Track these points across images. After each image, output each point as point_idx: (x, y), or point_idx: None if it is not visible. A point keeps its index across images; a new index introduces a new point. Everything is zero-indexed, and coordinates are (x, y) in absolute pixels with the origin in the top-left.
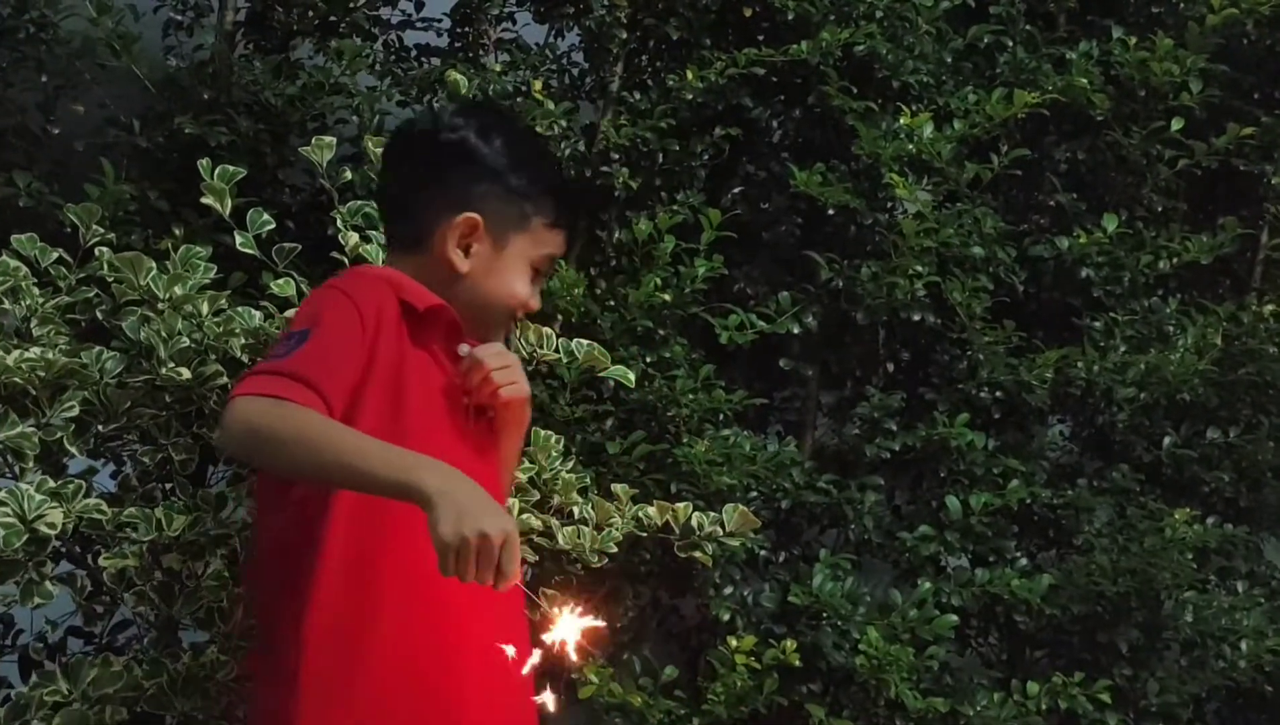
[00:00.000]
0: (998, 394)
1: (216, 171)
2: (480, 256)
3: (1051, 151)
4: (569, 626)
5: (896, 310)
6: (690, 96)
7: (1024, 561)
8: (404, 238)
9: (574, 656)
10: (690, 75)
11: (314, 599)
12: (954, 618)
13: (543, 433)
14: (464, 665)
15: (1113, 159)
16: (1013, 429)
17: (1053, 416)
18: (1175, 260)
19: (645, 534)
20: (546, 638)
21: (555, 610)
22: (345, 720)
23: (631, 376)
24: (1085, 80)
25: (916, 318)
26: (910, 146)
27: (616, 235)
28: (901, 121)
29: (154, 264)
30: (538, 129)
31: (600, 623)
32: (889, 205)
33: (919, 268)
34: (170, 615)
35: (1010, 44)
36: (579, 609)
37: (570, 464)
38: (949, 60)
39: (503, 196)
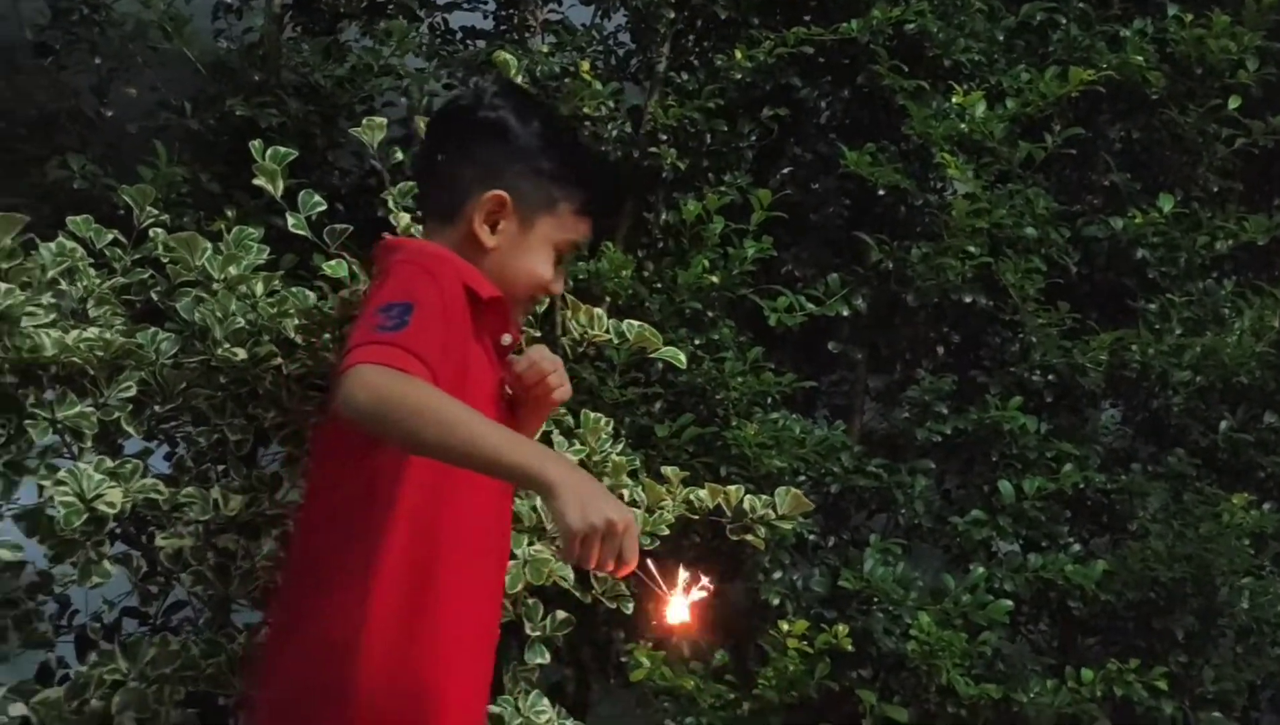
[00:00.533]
0: (1050, 377)
1: (268, 153)
2: (506, 234)
3: (1105, 130)
4: (681, 607)
5: (948, 292)
6: (739, 76)
7: (1077, 547)
8: (438, 210)
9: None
10: (739, 55)
11: (384, 547)
12: (1008, 603)
13: (592, 415)
14: (490, 621)
15: (1168, 138)
16: (1065, 412)
17: (1105, 400)
18: (1232, 241)
19: (696, 517)
20: (670, 619)
21: (669, 593)
22: (409, 650)
23: (683, 358)
24: (1140, 58)
25: (968, 300)
26: (962, 126)
27: (664, 217)
28: (953, 100)
29: (209, 245)
30: (585, 110)
31: (706, 589)
32: (938, 186)
33: (971, 249)
34: (224, 595)
35: (1063, 21)
36: (687, 583)
37: (620, 446)
38: (1001, 38)
39: (533, 178)
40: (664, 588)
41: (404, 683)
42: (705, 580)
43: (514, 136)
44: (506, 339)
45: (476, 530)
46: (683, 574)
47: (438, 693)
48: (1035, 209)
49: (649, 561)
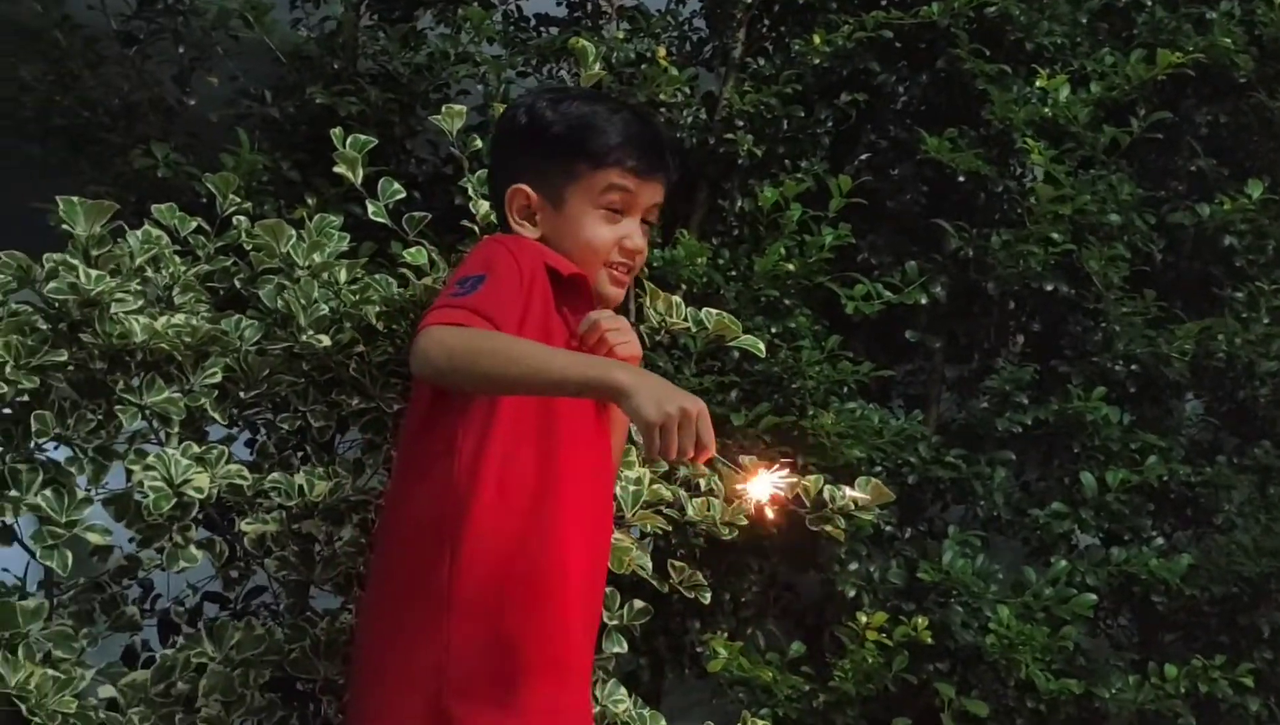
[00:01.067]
0: (1133, 367)
1: (349, 141)
2: (545, 221)
3: (1191, 115)
4: (765, 483)
5: (1029, 280)
6: (816, 61)
7: (1160, 541)
8: (500, 225)
9: (770, 513)
10: (817, 39)
11: (470, 525)
12: (1092, 597)
13: None
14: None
15: (1256, 122)
16: (1148, 403)
17: (1189, 391)
18: None
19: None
20: (751, 494)
21: (755, 469)
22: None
23: (761, 346)
24: (1228, 40)
25: (1049, 287)
26: (1045, 110)
27: (739, 204)
28: (1037, 84)
29: (294, 232)
30: (661, 96)
31: (792, 478)
32: (1018, 172)
33: (1054, 236)
34: (305, 581)
35: (1148, 3)
36: (775, 468)
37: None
38: (1084, 21)
39: (544, 157)
40: (740, 468)
41: (495, 633)
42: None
43: (518, 128)
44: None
45: (572, 494)
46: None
47: (525, 647)
48: (1119, 195)
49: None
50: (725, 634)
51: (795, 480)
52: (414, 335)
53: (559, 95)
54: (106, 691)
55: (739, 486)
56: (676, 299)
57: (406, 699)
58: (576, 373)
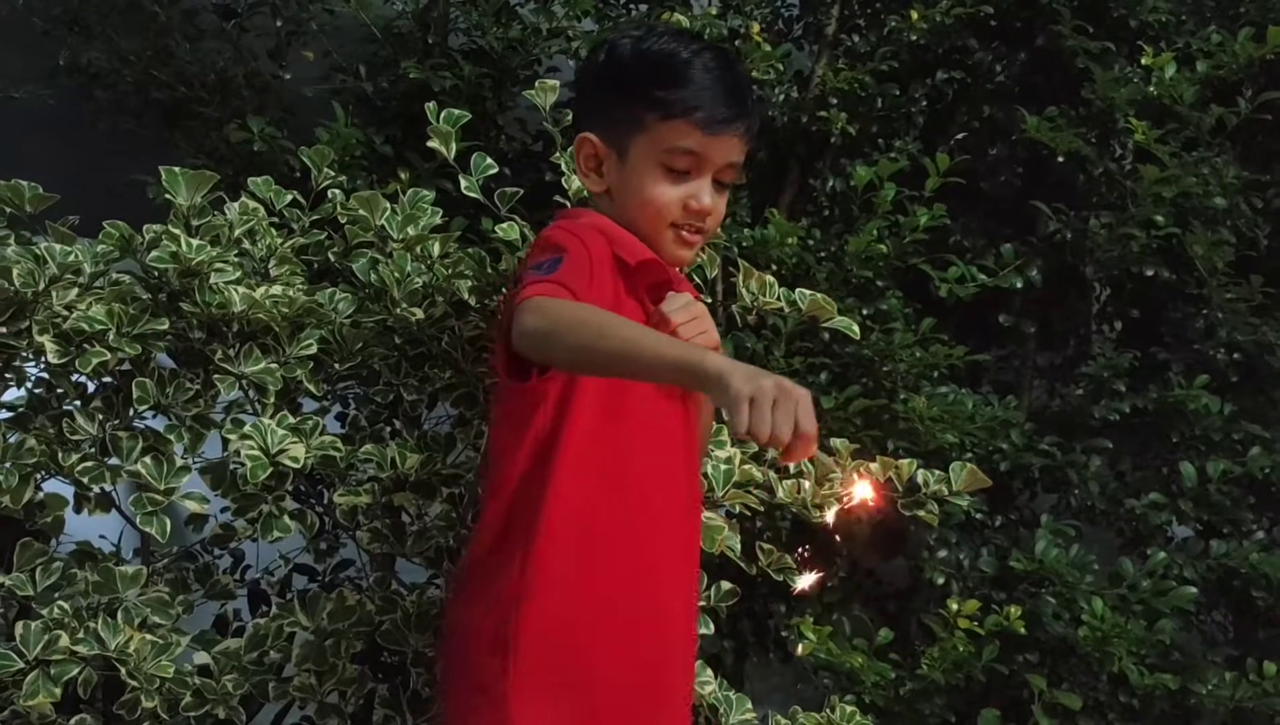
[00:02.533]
0: (1235, 356)
1: (442, 115)
2: (611, 172)
3: None
4: (865, 487)
5: (1128, 265)
6: (913, 38)
7: (1260, 534)
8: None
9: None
10: (914, 15)
11: (552, 494)
12: (1192, 590)
13: None
14: (670, 593)
15: None
16: (1251, 393)
17: None
18: None
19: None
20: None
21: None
22: (571, 607)
23: (856, 328)
24: None
25: (1149, 273)
26: (1150, 90)
27: (830, 184)
28: (1142, 62)
29: (389, 205)
30: (754, 73)
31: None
32: (1118, 154)
33: (1158, 219)
34: (394, 553)
35: None
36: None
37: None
38: None
39: (611, 106)
40: (838, 460)
41: (564, 637)
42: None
43: (588, 76)
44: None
45: (650, 492)
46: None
47: (592, 653)
48: (1224, 178)
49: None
50: (811, 619)
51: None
52: (501, 316)
53: (645, 34)
54: (201, 658)
55: (848, 491)
56: (770, 278)
57: (474, 701)
58: (670, 355)
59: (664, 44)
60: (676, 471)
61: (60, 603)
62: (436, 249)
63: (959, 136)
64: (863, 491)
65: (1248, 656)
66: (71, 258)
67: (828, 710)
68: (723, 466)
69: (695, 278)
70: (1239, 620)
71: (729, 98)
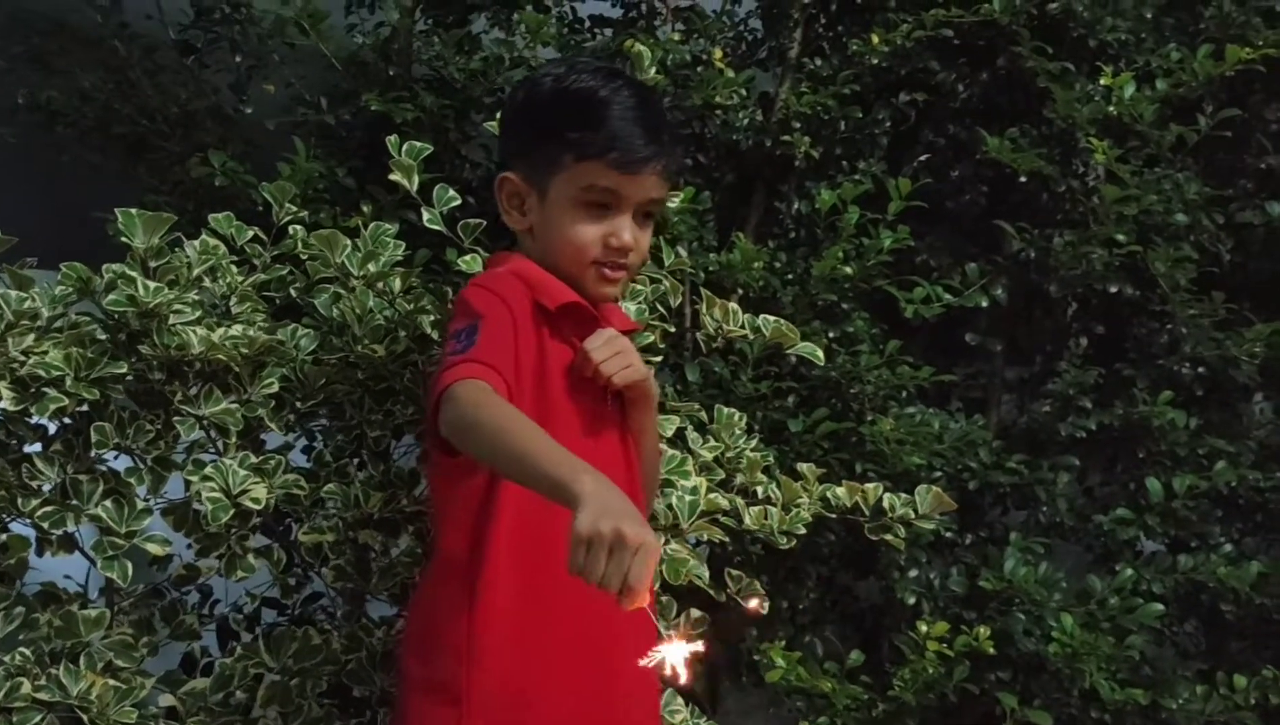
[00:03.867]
0: (1200, 370)
1: (404, 148)
2: (533, 211)
3: (1260, 111)
4: (676, 651)
5: (1092, 282)
6: (875, 61)
7: (1228, 547)
8: None
9: (684, 678)
10: (875, 39)
11: (493, 549)
12: (1160, 606)
13: (725, 410)
14: (623, 631)
15: None
16: (1215, 407)
17: (1258, 394)
18: None
19: (833, 515)
20: (653, 658)
21: (668, 635)
22: (517, 654)
23: (820, 353)
24: None
25: (1113, 289)
26: (1110, 108)
27: (795, 206)
28: (1101, 82)
29: (349, 242)
30: (717, 99)
31: (700, 648)
32: (1080, 171)
33: (1120, 236)
34: (360, 589)
35: None
36: (689, 635)
37: (753, 442)
38: (1149, 16)
39: (530, 145)
40: (663, 632)
41: (512, 686)
42: (699, 643)
43: (508, 118)
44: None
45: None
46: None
47: (541, 698)
48: (1186, 194)
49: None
50: (782, 641)
51: (702, 652)
52: (428, 389)
53: (565, 72)
54: (166, 700)
55: (654, 651)
56: (733, 306)
57: None
58: (549, 472)
59: (583, 82)
60: None
61: (22, 649)
62: (398, 284)
63: (923, 157)
64: (674, 656)
65: (1218, 669)
66: (28, 304)
67: None
68: (688, 497)
69: (660, 307)
70: (1209, 633)
71: (646, 137)
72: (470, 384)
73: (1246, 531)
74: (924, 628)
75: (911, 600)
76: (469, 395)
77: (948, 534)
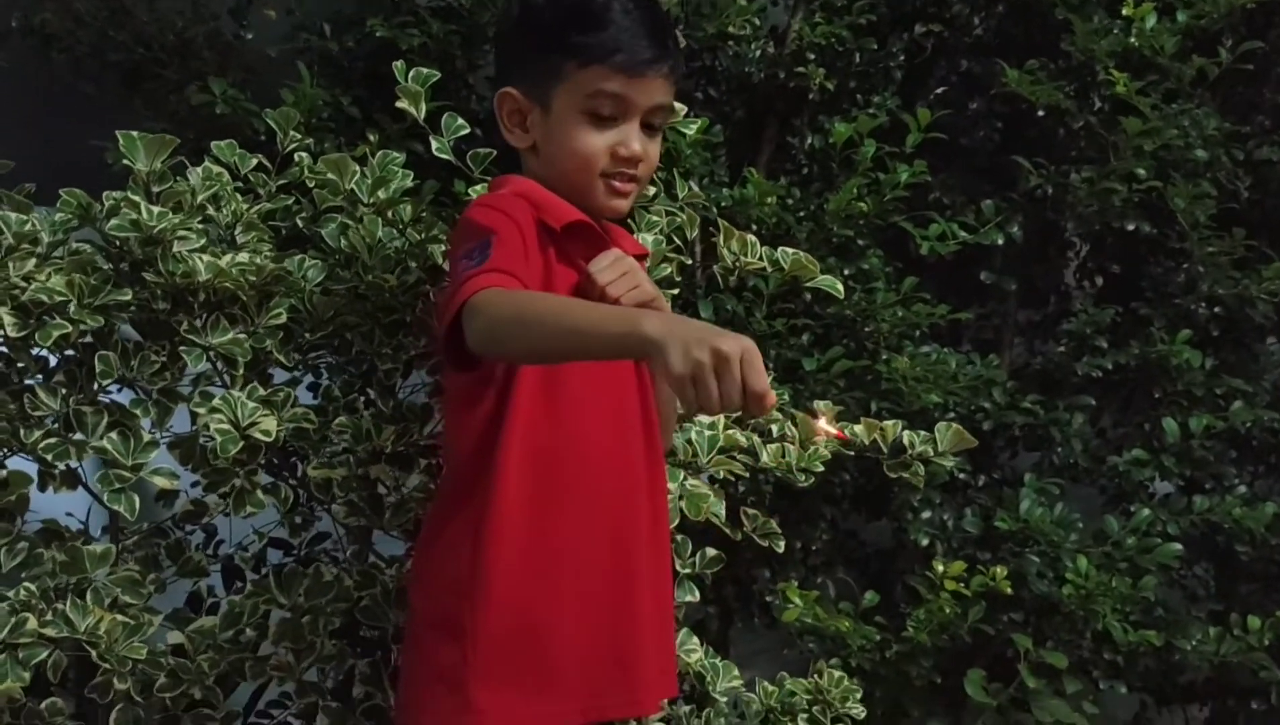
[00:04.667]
0: (1216, 309)
1: (411, 75)
2: (536, 127)
3: (1279, 45)
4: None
5: (1109, 219)
6: None
7: (1243, 488)
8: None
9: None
10: None
11: (499, 488)
12: (1177, 546)
13: None
14: (634, 563)
15: None
16: (1231, 346)
17: (1271, 334)
18: None
19: (851, 453)
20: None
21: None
22: (526, 589)
23: (840, 287)
24: None
25: (1131, 227)
26: (1130, 41)
27: (809, 141)
28: (1123, 13)
29: (358, 168)
30: (730, 29)
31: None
32: (1099, 107)
33: (1140, 171)
34: (368, 528)
35: None
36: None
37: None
38: None
39: (529, 57)
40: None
41: (520, 620)
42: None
43: (504, 31)
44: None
45: (599, 466)
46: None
47: (552, 631)
48: (1205, 130)
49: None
50: (795, 582)
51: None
52: (439, 307)
53: None
54: (174, 638)
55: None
56: (751, 238)
57: (435, 691)
58: (610, 329)
59: (573, 3)
60: (633, 432)
61: (27, 584)
62: (409, 212)
63: (938, 91)
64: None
65: (1230, 611)
66: (28, 227)
67: (815, 676)
68: (706, 432)
69: (676, 238)
70: (1220, 575)
71: (651, 38)
72: (494, 291)
73: (1260, 473)
74: (940, 567)
75: (925, 541)
76: (498, 298)
77: (961, 475)
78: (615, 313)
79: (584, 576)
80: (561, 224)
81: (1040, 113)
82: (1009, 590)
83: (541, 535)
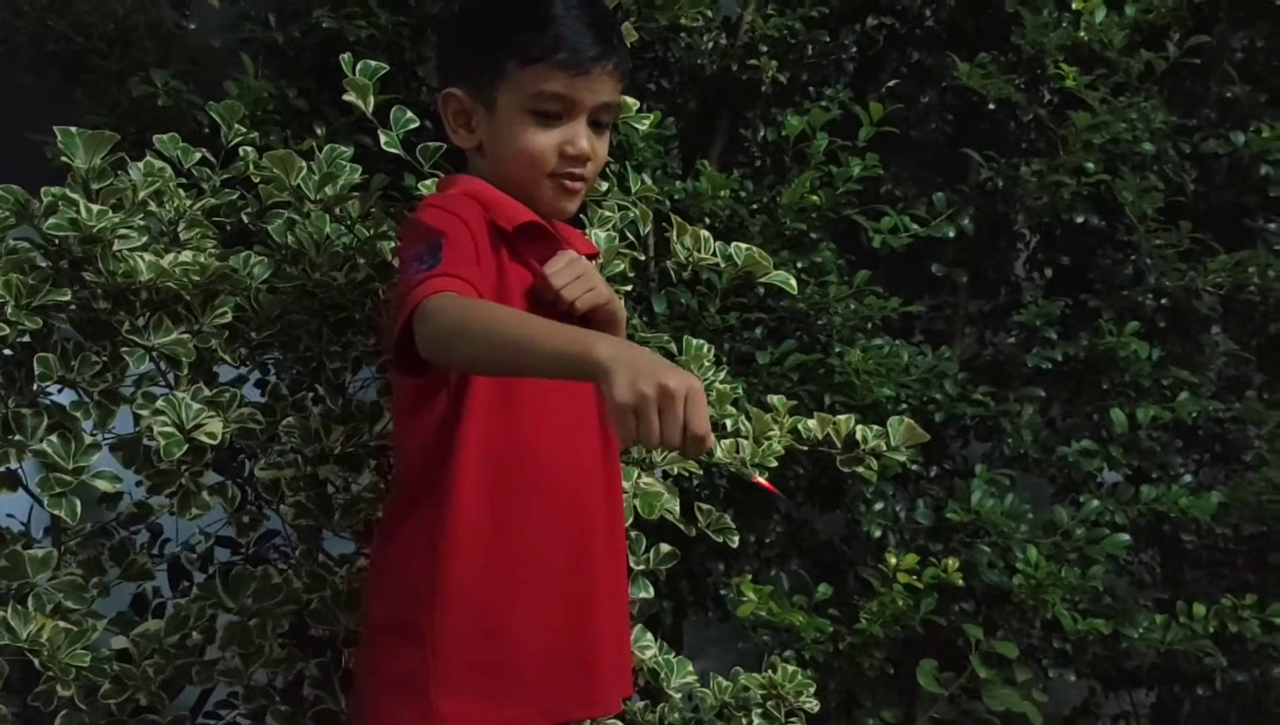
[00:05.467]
0: (1163, 301)
1: (359, 67)
2: (482, 127)
3: (1226, 39)
4: None
5: (1059, 212)
6: None
7: (1188, 478)
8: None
9: None
10: None
11: (457, 477)
12: (1126, 537)
13: (694, 342)
14: (590, 562)
15: None
16: (1178, 338)
17: (1215, 325)
18: None
19: (804, 448)
20: None
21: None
22: (483, 591)
23: (793, 282)
24: None
25: (1080, 220)
26: (1080, 34)
27: (762, 133)
28: (1073, 6)
29: (305, 164)
30: (682, 20)
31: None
32: (1048, 100)
33: (1089, 165)
34: (317, 527)
35: None
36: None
37: (722, 374)
38: None
39: (471, 56)
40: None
41: (481, 624)
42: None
43: (446, 29)
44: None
45: (557, 466)
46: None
47: (512, 634)
48: (1152, 124)
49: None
50: (749, 575)
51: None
52: (389, 311)
53: None
54: (119, 642)
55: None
56: (705, 233)
57: (395, 697)
58: (558, 348)
59: (512, 3)
60: (589, 431)
61: None
62: (357, 209)
63: (890, 84)
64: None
65: (1175, 598)
66: None
67: (769, 671)
68: None
69: (629, 234)
70: (1166, 562)
71: (594, 34)
72: (446, 296)
73: (1204, 462)
74: (893, 560)
75: (878, 533)
76: (448, 304)
77: (913, 467)
78: (567, 332)
79: (543, 577)
80: (514, 225)
81: (991, 106)
82: (960, 582)
83: (500, 537)
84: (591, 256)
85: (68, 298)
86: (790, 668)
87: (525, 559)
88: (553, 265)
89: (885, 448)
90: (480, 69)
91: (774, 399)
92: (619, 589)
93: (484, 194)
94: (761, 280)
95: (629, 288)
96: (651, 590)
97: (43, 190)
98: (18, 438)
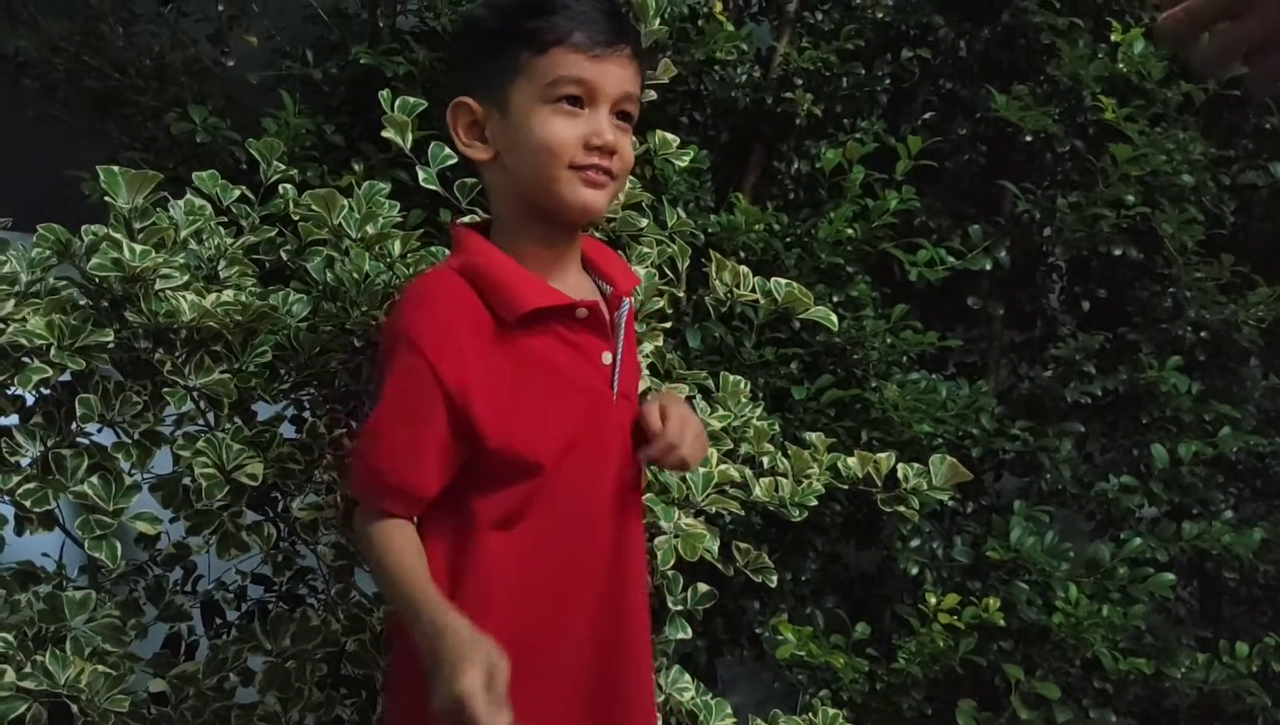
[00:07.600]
0: (1203, 334)
1: (397, 104)
2: (496, 134)
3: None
4: None
5: (1097, 244)
6: (879, 15)
7: (1229, 514)
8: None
9: None
10: None
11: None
12: (1171, 577)
13: (731, 378)
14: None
15: None
16: (1219, 372)
17: (1254, 358)
18: None
19: (845, 486)
20: None
21: None
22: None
23: (834, 319)
24: None
25: (1118, 252)
26: (1119, 66)
27: (795, 166)
28: (1112, 38)
29: (346, 202)
30: (718, 54)
31: None
32: (1086, 131)
33: (1129, 197)
34: (351, 565)
35: None
36: None
37: (759, 410)
38: None
39: (481, 59)
40: None
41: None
42: None
43: (456, 45)
44: (582, 313)
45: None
46: None
47: (533, 677)
48: (1191, 155)
49: None
50: (785, 613)
51: None
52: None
53: (476, 6)
54: (156, 685)
55: None
56: (744, 270)
57: None
58: (419, 630)
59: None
60: (616, 505)
61: (3, 634)
62: (398, 247)
63: (926, 116)
64: None
65: (1216, 635)
66: (7, 268)
67: (809, 714)
68: (700, 469)
69: (667, 270)
70: (1205, 600)
71: (607, 19)
72: (370, 516)
73: (1245, 497)
74: (933, 599)
75: (915, 570)
76: (367, 531)
77: (950, 503)
78: (436, 617)
79: (564, 618)
80: (517, 315)
81: (1027, 138)
82: (1001, 622)
83: (524, 585)
84: (633, 287)
85: (109, 338)
86: (829, 709)
87: (547, 602)
88: (670, 429)
89: (927, 487)
90: (492, 70)
91: (812, 437)
92: (642, 626)
93: (484, 272)
94: (801, 316)
95: (667, 325)
96: (689, 631)
97: (83, 228)
98: (57, 478)
